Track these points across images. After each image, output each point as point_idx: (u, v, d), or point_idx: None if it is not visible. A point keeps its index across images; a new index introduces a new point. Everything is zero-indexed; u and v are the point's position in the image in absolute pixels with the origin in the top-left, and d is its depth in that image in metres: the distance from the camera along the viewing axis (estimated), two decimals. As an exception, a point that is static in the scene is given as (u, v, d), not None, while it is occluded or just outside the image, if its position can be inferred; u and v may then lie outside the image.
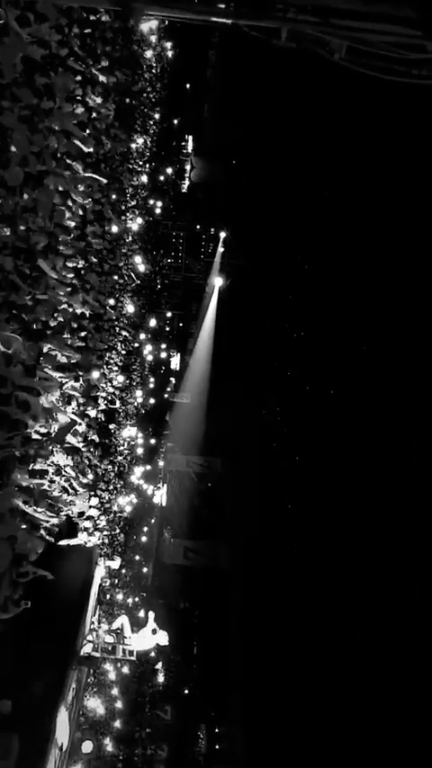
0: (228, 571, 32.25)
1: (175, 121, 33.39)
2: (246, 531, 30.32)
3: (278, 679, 25.49)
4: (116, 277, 13.72)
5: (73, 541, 10.21)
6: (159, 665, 28.08)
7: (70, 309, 8.69)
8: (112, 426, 14.32)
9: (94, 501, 11.29)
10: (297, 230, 26.91)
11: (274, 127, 26.68)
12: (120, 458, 16.51)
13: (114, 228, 11.80)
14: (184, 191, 37.18)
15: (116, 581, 16.93)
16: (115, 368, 14.02)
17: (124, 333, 15.71)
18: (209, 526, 34.01)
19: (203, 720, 33.97)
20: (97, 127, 9.54)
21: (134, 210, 16.94)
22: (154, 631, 11.43)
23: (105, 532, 12.91)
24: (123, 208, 14.43)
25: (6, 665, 7.34)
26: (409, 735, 17.94)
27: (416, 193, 18.55)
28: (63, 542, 9.68)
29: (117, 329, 14.47)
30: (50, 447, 8.08)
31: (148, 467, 27.19)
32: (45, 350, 7.77)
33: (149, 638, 11.44)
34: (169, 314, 36.67)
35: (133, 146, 16.12)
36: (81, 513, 10.23)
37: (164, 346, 34.17)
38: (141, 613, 17.21)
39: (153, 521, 32.44)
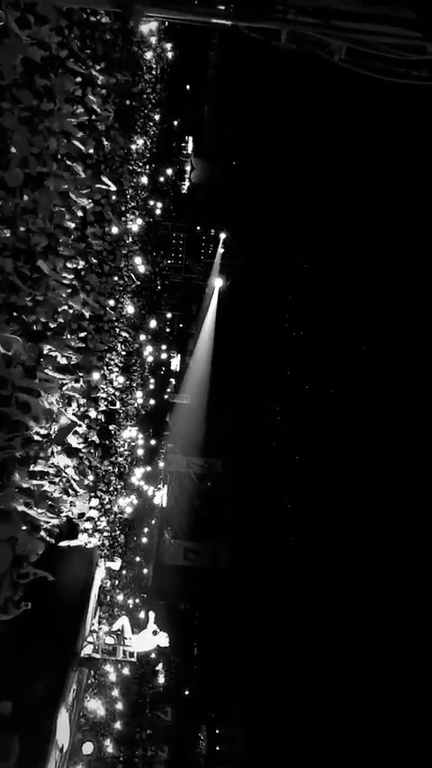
0: (228, 572, 32.23)
1: (175, 122, 33.35)
2: (246, 532, 30.31)
3: (278, 680, 25.47)
4: (116, 278, 13.73)
5: (73, 543, 10.20)
6: (160, 667, 28.05)
7: (70, 311, 8.70)
8: (112, 427, 14.32)
9: (95, 502, 11.30)
10: (297, 231, 26.93)
11: (274, 128, 26.70)
12: (120, 459, 16.51)
13: (114, 230, 11.81)
14: (184, 192, 37.17)
15: (116, 582, 16.92)
16: (115, 369, 14.02)
17: (124, 334, 15.71)
18: (209, 527, 34.00)
19: (204, 721, 33.97)
20: (97, 128, 9.55)
21: (134, 212, 16.94)
22: (154, 632, 11.43)
23: (106, 534, 12.91)
24: (123, 209, 14.44)
25: (7, 667, 7.34)
26: (409, 735, 17.93)
27: (415, 194, 18.56)
28: (63, 544, 9.68)
29: (117, 330, 14.47)
30: (51, 448, 8.08)
31: (149, 468, 27.17)
32: (45, 351, 7.78)
33: (150, 639, 11.45)
34: (169, 315, 36.67)
35: (133, 147, 16.13)
36: (81, 515, 10.22)
37: (164, 347, 34.15)
38: (142, 614, 17.19)
39: (153, 522, 32.42)
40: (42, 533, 7.43)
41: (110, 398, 13.02)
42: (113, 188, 9.82)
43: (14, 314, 6.96)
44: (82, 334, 9.41)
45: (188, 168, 37.34)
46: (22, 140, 6.76)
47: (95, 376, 9.96)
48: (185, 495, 35.40)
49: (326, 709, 21.77)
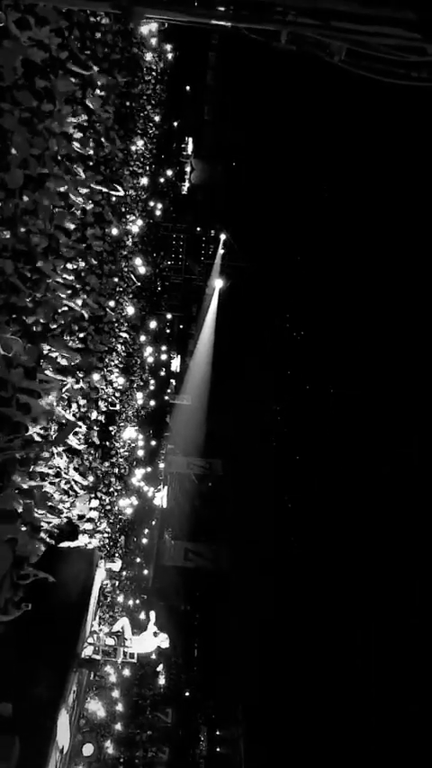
0: (228, 573, 32.21)
1: (176, 124, 33.36)
2: (246, 533, 30.30)
3: (279, 681, 25.46)
4: (116, 279, 13.72)
5: (73, 544, 10.19)
6: (160, 668, 27.99)
7: (70, 312, 8.70)
8: (112, 428, 14.30)
9: (95, 503, 11.28)
10: (297, 232, 26.95)
11: (273, 129, 26.73)
12: (120, 460, 16.49)
13: (114, 231, 11.80)
14: (184, 193, 37.21)
15: (117, 583, 16.89)
16: (115, 370, 14.00)
17: (124, 335, 15.69)
18: (209, 528, 34.00)
19: (204, 723, 33.93)
20: (97, 129, 9.56)
21: (134, 213, 16.94)
22: (155, 634, 11.39)
23: (106, 534, 12.90)
24: (123, 210, 14.43)
25: (7, 668, 7.33)
26: (409, 736, 17.92)
27: (415, 194, 18.58)
28: (63, 545, 9.67)
29: (117, 331, 14.46)
30: (51, 449, 8.08)
31: (149, 469, 27.13)
32: (45, 352, 7.78)
33: (150, 640, 11.40)
34: (169, 316, 36.66)
35: (133, 148, 16.12)
36: (81, 516, 10.22)
37: (164, 348, 34.13)
38: (142, 615, 17.15)
39: (154, 523, 32.39)
40: (42, 534, 7.43)
41: (110, 399, 13.01)
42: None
43: (14, 315, 6.97)
44: (82, 335, 9.42)
45: (188, 169, 37.38)
46: (23, 142, 6.77)
47: (95, 377, 9.96)
48: (186, 496, 35.40)
49: (326, 710, 21.76)
